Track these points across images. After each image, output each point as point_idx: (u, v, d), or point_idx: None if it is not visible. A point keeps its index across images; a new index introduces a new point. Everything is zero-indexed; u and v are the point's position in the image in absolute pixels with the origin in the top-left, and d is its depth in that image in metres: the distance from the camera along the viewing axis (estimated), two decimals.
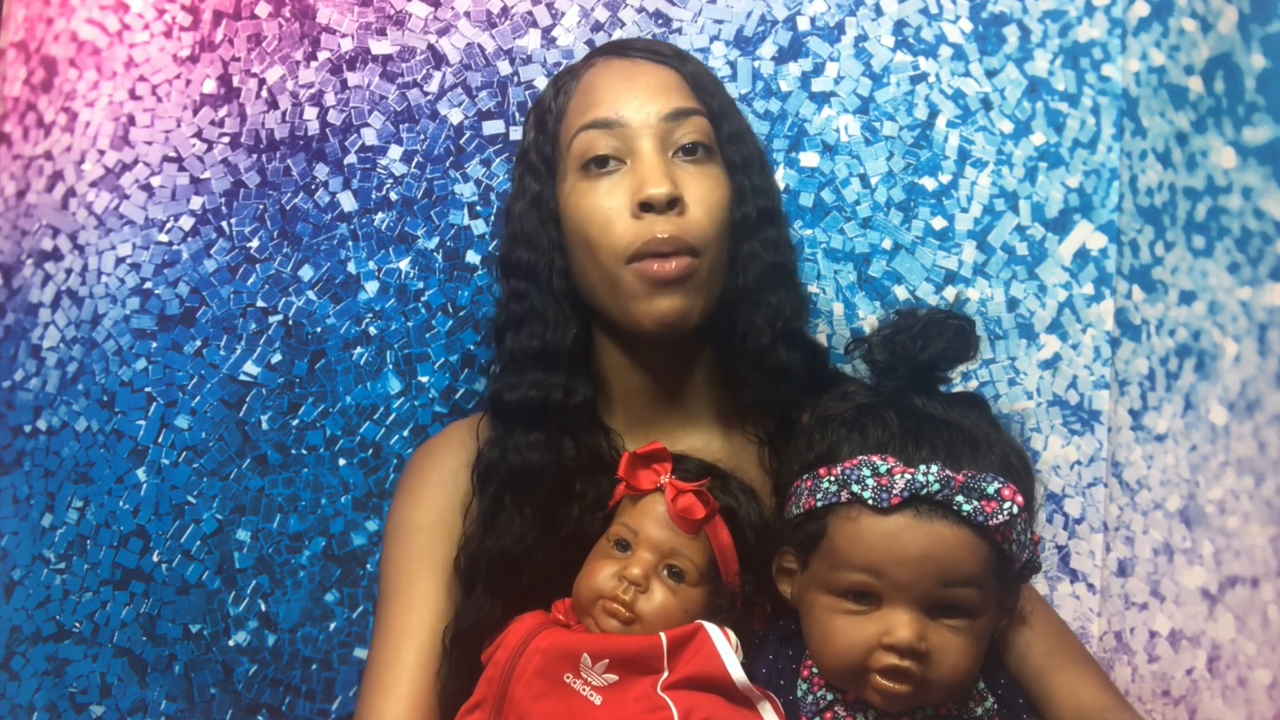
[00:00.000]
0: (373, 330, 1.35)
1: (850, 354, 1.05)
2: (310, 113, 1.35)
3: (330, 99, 1.35)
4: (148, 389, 1.34)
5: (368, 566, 1.34)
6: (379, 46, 1.36)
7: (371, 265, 1.35)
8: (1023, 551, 0.94)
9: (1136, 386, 1.31)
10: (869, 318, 1.35)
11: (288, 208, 1.35)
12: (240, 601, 1.34)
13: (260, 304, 1.34)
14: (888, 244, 1.36)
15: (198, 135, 1.35)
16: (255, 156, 1.35)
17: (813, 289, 1.35)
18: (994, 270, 1.36)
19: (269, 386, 1.34)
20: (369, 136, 1.35)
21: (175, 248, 1.35)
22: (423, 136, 1.35)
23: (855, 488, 0.93)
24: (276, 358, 1.34)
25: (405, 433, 1.34)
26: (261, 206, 1.35)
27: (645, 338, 1.09)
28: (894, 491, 0.91)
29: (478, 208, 1.35)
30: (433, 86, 1.36)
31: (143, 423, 1.33)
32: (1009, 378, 1.35)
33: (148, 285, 1.34)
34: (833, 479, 0.95)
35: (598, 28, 1.36)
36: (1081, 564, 1.34)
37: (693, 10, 1.36)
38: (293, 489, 1.34)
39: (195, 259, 1.35)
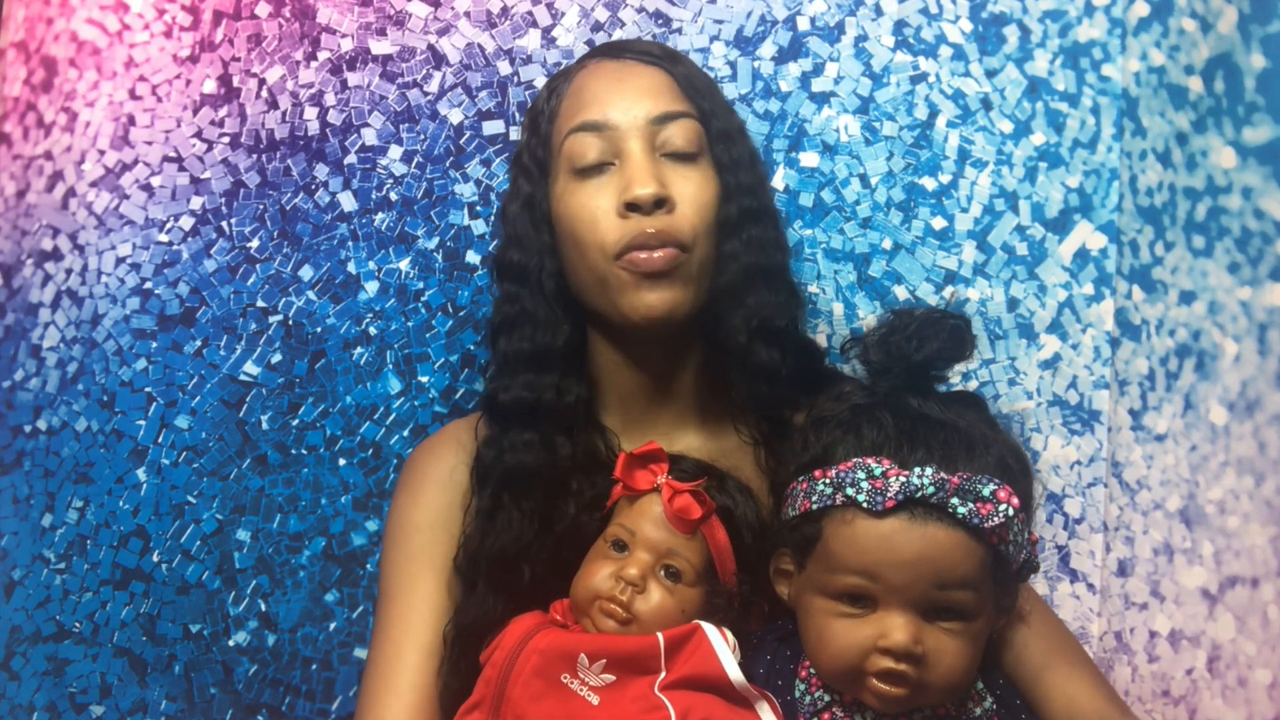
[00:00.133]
0: (373, 330, 1.35)
1: (846, 354, 1.05)
2: (310, 113, 1.35)
3: (330, 99, 1.36)
4: (148, 389, 1.34)
5: (368, 566, 1.34)
6: (379, 46, 1.36)
7: (371, 265, 1.35)
8: (1020, 552, 0.94)
9: (1136, 386, 1.31)
10: (869, 318, 1.35)
11: (288, 208, 1.35)
12: (240, 601, 1.34)
13: (260, 304, 1.35)
14: (888, 244, 1.36)
15: (198, 135, 1.36)
16: (255, 156, 1.35)
17: (813, 289, 1.35)
18: (994, 270, 1.35)
19: (269, 386, 1.34)
20: (369, 136, 1.35)
21: (175, 248, 1.35)
22: (423, 136, 1.35)
23: (850, 490, 0.93)
24: (276, 358, 1.34)
25: (405, 433, 1.35)
26: (261, 206, 1.35)
27: (636, 332, 1.09)
28: (889, 494, 0.91)
29: (478, 208, 1.35)
30: (433, 86, 1.36)
31: (143, 423, 1.34)
32: (1009, 378, 1.35)
33: (148, 285, 1.35)
34: (827, 481, 0.95)
35: (598, 28, 1.36)
36: (1081, 564, 1.34)
37: (693, 10, 1.36)
38: (293, 489, 1.34)
39: (195, 259, 1.35)
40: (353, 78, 1.36)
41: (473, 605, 1.06)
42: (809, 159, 1.36)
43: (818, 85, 1.36)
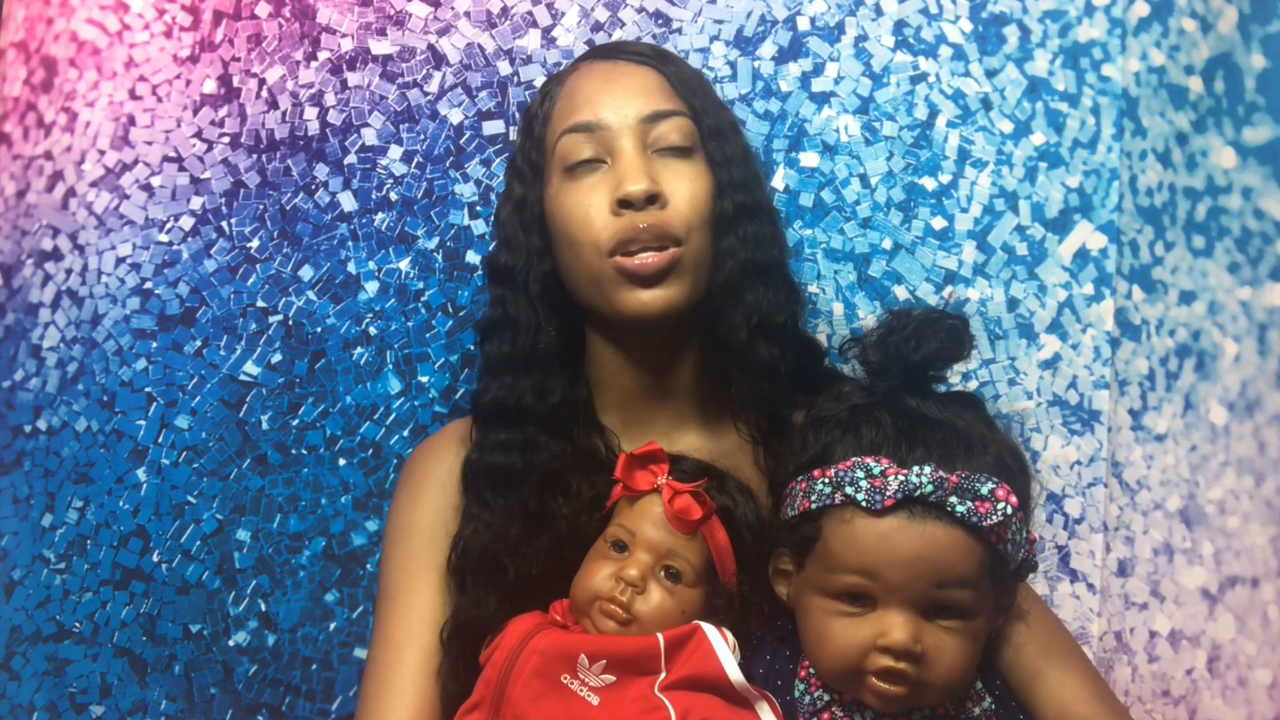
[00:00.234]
0: (373, 330, 1.35)
1: (845, 354, 1.05)
2: (310, 113, 1.35)
3: (330, 99, 1.36)
4: (148, 389, 1.34)
5: (368, 566, 1.34)
6: (379, 46, 1.36)
7: (371, 265, 1.35)
8: (1018, 551, 0.94)
9: (1136, 386, 1.31)
10: (869, 318, 1.34)
11: (288, 208, 1.35)
12: (240, 601, 1.34)
13: (260, 304, 1.35)
14: (888, 244, 1.36)
15: (198, 135, 1.36)
16: (255, 156, 1.35)
17: (813, 289, 1.35)
18: (994, 270, 1.35)
19: (269, 386, 1.34)
20: (369, 136, 1.35)
21: (175, 248, 1.35)
22: (423, 136, 1.35)
23: (849, 489, 0.93)
24: (276, 358, 1.34)
25: (405, 433, 1.35)
26: (261, 206, 1.35)
27: (632, 329, 1.09)
28: (887, 493, 0.91)
29: (478, 208, 1.35)
30: (433, 86, 1.36)
31: (143, 423, 1.34)
32: (1009, 378, 1.35)
33: (148, 285, 1.35)
34: (826, 481, 0.95)
35: (598, 28, 1.36)
36: (1081, 564, 1.34)
37: (693, 10, 1.36)
38: (293, 489, 1.34)
39: (195, 259, 1.35)
40: (353, 78, 1.36)
41: (465, 604, 1.07)
42: (809, 159, 1.36)
43: (818, 85, 1.36)
